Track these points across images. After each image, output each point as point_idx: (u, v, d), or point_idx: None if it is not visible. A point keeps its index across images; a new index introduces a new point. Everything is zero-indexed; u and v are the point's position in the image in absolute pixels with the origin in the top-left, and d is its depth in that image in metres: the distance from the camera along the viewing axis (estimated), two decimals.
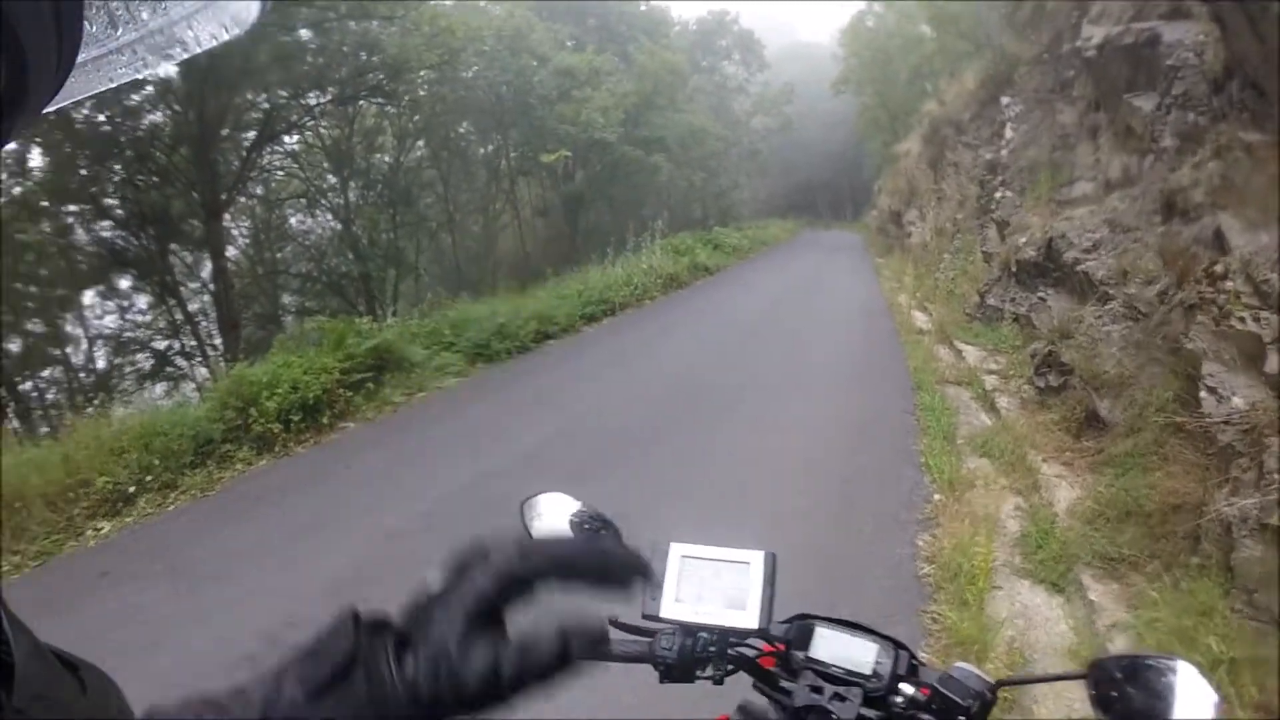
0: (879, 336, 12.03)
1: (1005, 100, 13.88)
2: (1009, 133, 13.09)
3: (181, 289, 18.16)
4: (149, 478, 7.11)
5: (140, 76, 0.57)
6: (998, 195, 12.58)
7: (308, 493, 6.70)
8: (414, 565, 4.12)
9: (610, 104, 22.93)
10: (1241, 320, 4.22)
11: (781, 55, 55.35)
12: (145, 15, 0.51)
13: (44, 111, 0.47)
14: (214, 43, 0.54)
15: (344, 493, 6.61)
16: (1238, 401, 4.07)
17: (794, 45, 66.97)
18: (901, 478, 6.11)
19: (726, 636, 1.26)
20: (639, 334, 12.99)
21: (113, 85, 0.54)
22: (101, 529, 6.66)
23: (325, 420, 8.41)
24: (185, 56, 0.54)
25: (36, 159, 15.18)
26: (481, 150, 25.74)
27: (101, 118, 14.29)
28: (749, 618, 1.23)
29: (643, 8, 34.34)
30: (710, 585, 1.27)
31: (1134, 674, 1.08)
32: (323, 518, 6.07)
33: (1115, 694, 1.08)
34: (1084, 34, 8.84)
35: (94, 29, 0.49)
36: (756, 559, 1.27)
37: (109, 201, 15.52)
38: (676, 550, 1.30)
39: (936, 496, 5.65)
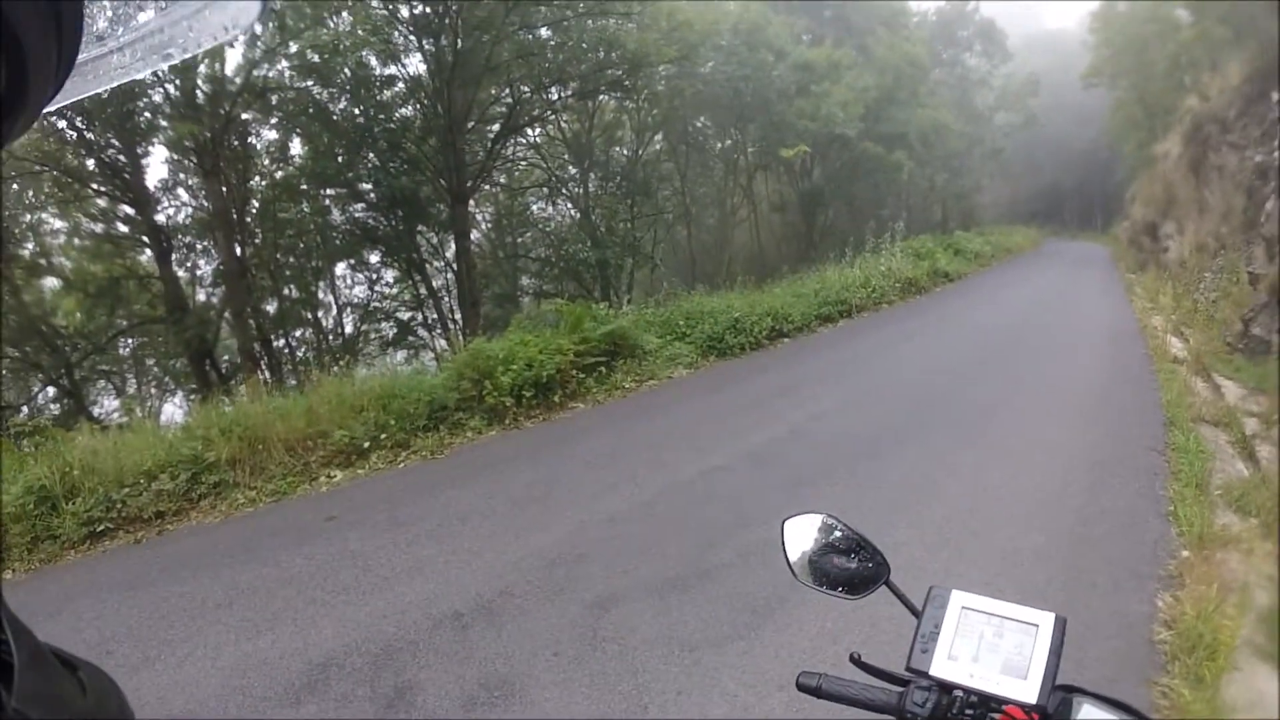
0: (1128, 362, 11.20)
1: (1276, 95, 12.79)
2: None
3: (426, 266, 19.91)
4: (383, 435, 7.90)
5: (140, 76, 0.59)
6: (1267, 206, 11.69)
7: (534, 466, 7.09)
8: (628, 552, 4.89)
9: (849, 98, 22.73)
10: None
11: (1026, 45, 52.52)
12: (145, 15, 0.54)
13: (44, 111, 0.48)
14: (214, 43, 0.55)
15: (569, 471, 6.93)
16: None
17: (1039, 34, 63.35)
18: (1146, 526, 5.58)
19: (988, 702, 1.18)
20: (875, 339, 12.87)
21: (113, 85, 0.55)
22: (334, 477, 7.42)
23: (556, 399, 8.97)
24: (185, 56, 0.55)
25: (297, 147, 17.39)
26: (719, 145, 26.12)
27: (357, 111, 15.84)
28: (1029, 690, 1.15)
29: None
30: (989, 646, 1.20)
31: None
32: (546, 493, 6.41)
33: None
34: None
35: (94, 29, 0.51)
36: (1046, 622, 1.20)
37: (363, 186, 17.16)
38: (957, 600, 1.25)
39: (1184, 553, 5.12)
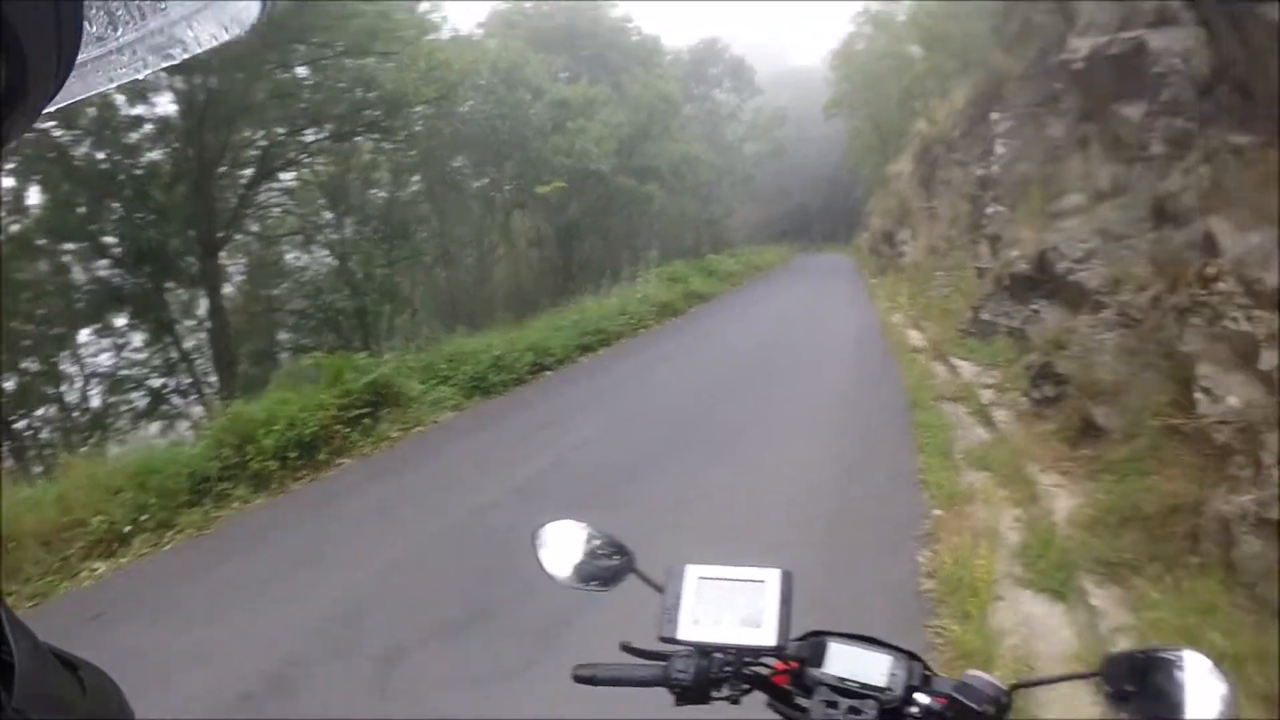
0: (873, 356, 12.02)
1: (995, 116, 13.96)
2: (999, 148, 13.17)
3: (177, 326, 18.18)
4: (145, 517, 7.04)
5: (140, 76, 0.57)
6: (989, 211, 12.64)
7: (304, 530, 6.66)
8: (409, 602, 4.29)
9: (604, 134, 23.14)
10: (1234, 320, 4.24)
11: (773, 81, 55.73)
12: (145, 15, 0.51)
13: (44, 111, 0.47)
14: (214, 43, 0.54)
15: (340, 530, 6.55)
16: (1233, 401, 4.07)
17: (785, 71, 67.48)
18: (900, 496, 6.08)
19: (742, 656, 1.28)
20: (635, 363, 12.95)
21: (113, 85, 0.54)
22: (97, 569, 6.59)
23: (322, 457, 8.35)
24: (185, 56, 0.54)
25: (35, 197, 15.28)
26: (476, 184, 25.88)
27: (101, 155, 14.45)
28: (766, 635, 1.26)
29: (635, 38, 34.76)
30: (726, 605, 1.30)
31: (1145, 668, 1.10)
32: (319, 555, 6.02)
33: (1129, 688, 1.10)
34: (1071, 46, 8.93)
35: (94, 29, 0.49)
36: (772, 577, 1.31)
37: (107, 239, 15.51)
38: (693, 572, 1.34)
39: (936, 512, 5.64)
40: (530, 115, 22.39)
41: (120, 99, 13.88)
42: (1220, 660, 2.87)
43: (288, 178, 19.64)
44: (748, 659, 1.29)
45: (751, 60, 48.97)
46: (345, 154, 19.75)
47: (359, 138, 19.08)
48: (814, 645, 1.29)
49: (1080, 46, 8.53)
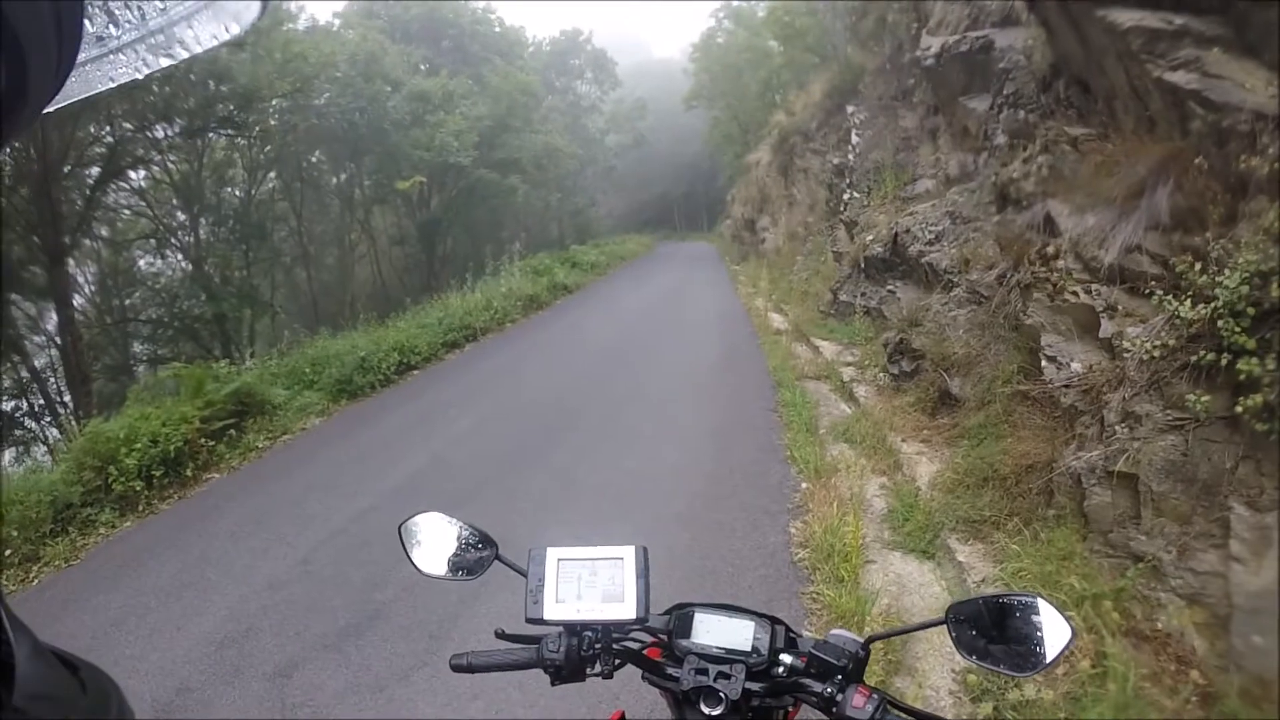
0: (738, 340, 12.29)
1: (850, 108, 14.49)
2: (854, 138, 13.65)
3: (25, 343, 17.02)
4: (7, 552, 6.60)
5: (140, 76, 0.57)
6: (846, 197, 13.11)
7: (179, 551, 6.32)
8: (296, 614, 4.27)
9: (464, 127, 22.80)
10: (1074, 294, 4.54)
11: (634, 73, 56.20)
12: (145, 15, 0.52)
13: (44, 111, 0.47)
14: (214, 42, 0.54)
15: (216, 547, 6.27)
16: (1076, 366, 4.38)
17: (647, 63, 68.06)
18: (769, 472, 6.30)
19: (610, 631, 1.35)
20: (502, 358, 12.84)
21: (113, 85, 0.54)
22: None
23: (189, 473, 7.98)
24: (185, 56, 0.54)
25: None
26: (335, 180, 25.21)
27: None
28: (627, 609, 1.31)
29: (497, 29, 34.38)
30: (588, 583, 1.34)
31: (991, 613, 1.18)
32: (198, 576, 5.76)
33: (974, 633, 1.18)
34: (923, 44, 9.32)
35: (94, 29, 0.49)
36: (629, 554, 1.35)
37: None
38: (553, 555, 1.37)
39: (804, 485, 5.86)
40: (389, 108, 21.96)
41: None
42: (1080, 602, 3.13)
43: (138, 178, 18.68)
44: (615, 634, 1.36)
45: (613, 52, 49.14)
46: (198, 151, 18.85)
47: (212, 134, 18.39)
48: (680, 617, 1.37)
49: (932, 44, 8.92)
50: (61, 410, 16.39)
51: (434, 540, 1.52)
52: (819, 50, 21.22)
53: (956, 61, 8.38)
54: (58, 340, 16.46)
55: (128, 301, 20.32)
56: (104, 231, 19.22)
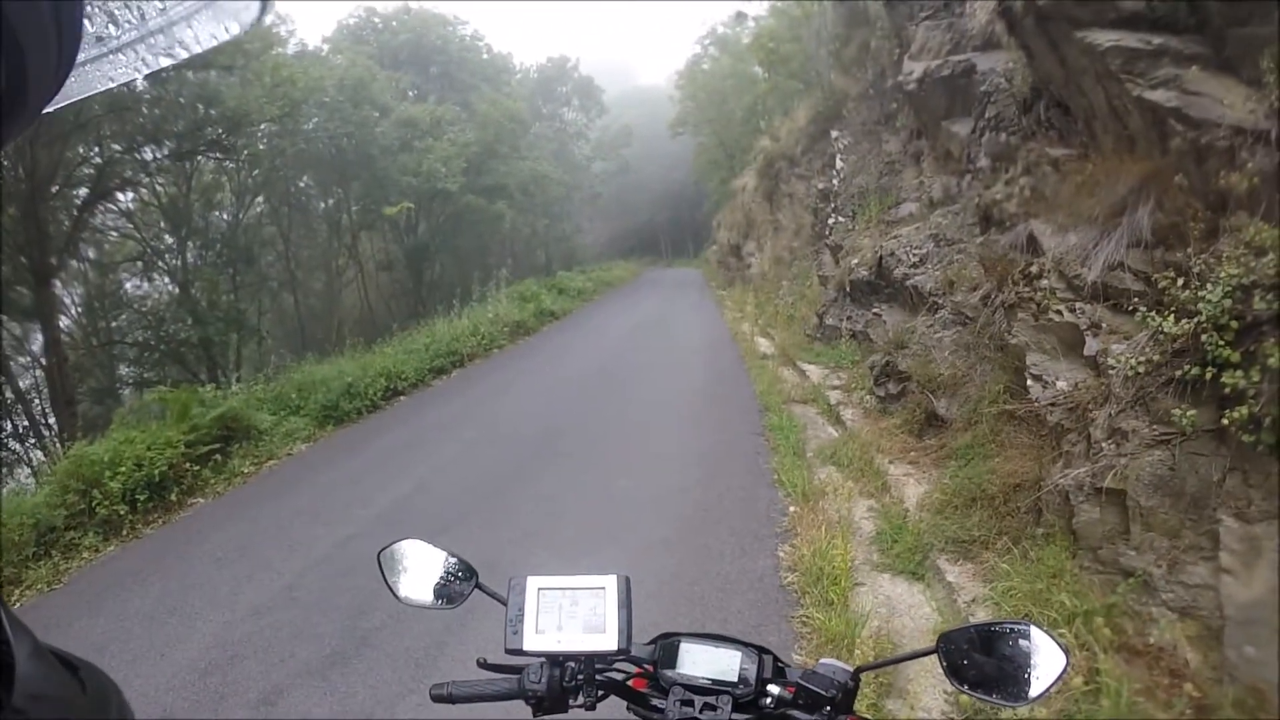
0: (725, 365, 12.28)
1: (835, 133, 14.54)
2: (839, 163, 13.71)
3: (10, 364, 16.88)
4: None
5: (140, 76, 0.57)
6: (831, 222, 13.14)
7: (163, 576, 6.26)
8: (281, 641, 4.23)
9: (452, 153, 22.88)
10: (1059, 313, 4.57)
11: (620, 100, 56.49)
12: (145, 15, 0.52)
13: (44, 111, 0.47)
14: (214, 43, 0.54)
15: (201, 573, 6.20)
16: (1062, 385, 4.39)
17: (633, 90, 68.45)
18: (757, 497, 6.28)
19: (593, 662, 1.33)
20: (487, 386, 12.76)
21: (113, 85, 0.55)
22: None
23: (173, 497, 7.89)
24: (185, 56, 0.54)
25: None
26: (323, 205, 25.19)
27: None
28: (609, 640, 1.28)
29: (485, 56, 34.57)
30: (569, 613, 1.32)
31: (982, 642, 1.16)
32: (181, 601, 5.69)
33: (965, 663, 1.16)
34: (905, 69, 9.42)
35: (94, 29, 0.49)
36: (610, 583, 1.32)
37: None
38: (533, 584, 1.35)
39: (792, 509, 5.84)
40: (377, 134, 21.99)
41: None
42: (1071, 620, 3.12)
43: (126, 199, 18.59)
44: (599, 664, 1.33)
45: (600, 79, 49.43)
46: (186, 174, 18.78)
47: (200, 157, 18.29)
48: (666, 647, 1.34)
49: (914, 69, 9.02)
50: (46, 432, 16.19)
51: (414, 568, 1.52)
52: (803, 76, 21.34)
53: (939, 86, 8.47)
54: (43, 361, 16.34)
55: (114, 324, 20.11)
56: (91, 253, 19.10)
